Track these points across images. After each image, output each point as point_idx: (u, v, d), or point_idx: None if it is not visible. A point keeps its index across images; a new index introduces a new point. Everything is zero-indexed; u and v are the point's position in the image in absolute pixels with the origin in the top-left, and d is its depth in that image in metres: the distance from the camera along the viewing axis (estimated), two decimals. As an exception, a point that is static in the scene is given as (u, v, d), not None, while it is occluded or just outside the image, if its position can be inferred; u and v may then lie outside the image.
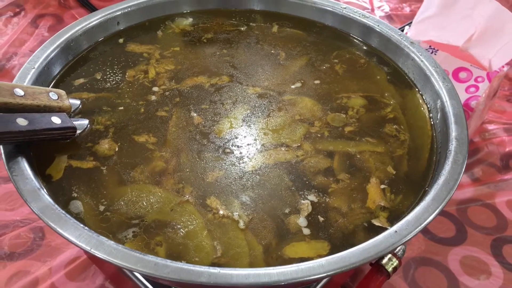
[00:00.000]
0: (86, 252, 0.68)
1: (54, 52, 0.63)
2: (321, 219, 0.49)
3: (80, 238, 0.43)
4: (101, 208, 0.49)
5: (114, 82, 0.63)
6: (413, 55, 0.66)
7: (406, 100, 0.63)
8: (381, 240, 0.44)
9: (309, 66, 0.69)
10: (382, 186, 0.53)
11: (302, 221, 0.49)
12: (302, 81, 0.66)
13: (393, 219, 0.50)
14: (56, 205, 0.45)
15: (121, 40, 0.71)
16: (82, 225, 0.44)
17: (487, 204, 0.85)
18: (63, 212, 0.45)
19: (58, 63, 0.63)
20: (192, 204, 0.50)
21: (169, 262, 0.41)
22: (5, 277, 0.72)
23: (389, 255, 0.61)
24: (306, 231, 0.48)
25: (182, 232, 0.47)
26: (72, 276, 0.73)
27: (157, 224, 0.48)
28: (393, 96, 0.64)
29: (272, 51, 0.71)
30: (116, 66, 0.66)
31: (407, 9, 1.37)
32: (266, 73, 0.67)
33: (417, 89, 0.65)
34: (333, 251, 0.46)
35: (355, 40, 0.74)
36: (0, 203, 0.81)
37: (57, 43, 0.63)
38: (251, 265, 0.45)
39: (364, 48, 0.73)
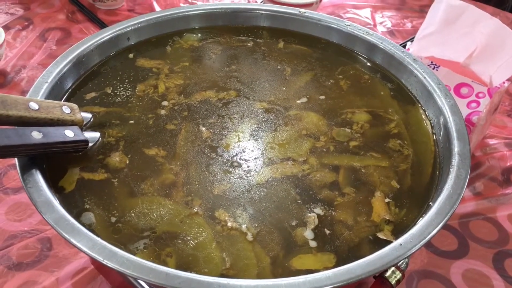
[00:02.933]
0: (93, 262, 0.69)
1: (67, 67, 0.64)
2: (328, 231, 0.51)
3: (93, 249, 0.44)
4: (113, 219, 0.50)
5: (124, 96, 0.65)
6: (416, 72, 0.67)
7: (409, 116, 0.65)
8: (387, 253, 0.45)
9: (315, 81, 0.70)
10: (387, 200, 0.54)
11: (308, 233, 0.50)
12: (307, 96, 0.67)
13: (397, 232, 0.51)
14: (70, 216, 0.47)
15: (131, 55, 0.73)
16: (94, 236, 0.45)
17: (489, 218, 0.86)
18: (77, 223, 0.46)
19: (70, 78, 0.65)
20: (201, 216, 0.51)
21: (180, 273, 0.42)
22: (13, 286, 0.72)
23: (393, 268, 0.62)
24: (313, 244, 0.49)
25: (191, 244, 0.49)
26: (79, 286, 0.73)
27: (167, 236, 0.49)
28: (396, 112, 0.65)
29: (278, 67, 0.73)
30: (126, 81, 0.67)
31: (408, 25, 1.39)
32: (273, 88, 0.68)
33: (420, 105, 0.66)
34: (339, 263, 0.48)
35: (359, 56, 0.76)
36: (8, 213, 0.82)
37: (69, 58, 0.65)
38: (259, 276, 0.46)
39: (368, 64, 0.74)
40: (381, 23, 1.39)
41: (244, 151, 0.58)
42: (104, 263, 0.43)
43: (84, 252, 0.44)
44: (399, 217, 0.52)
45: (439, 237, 0.82)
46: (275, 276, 0.47)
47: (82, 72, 0.67)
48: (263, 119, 0.63)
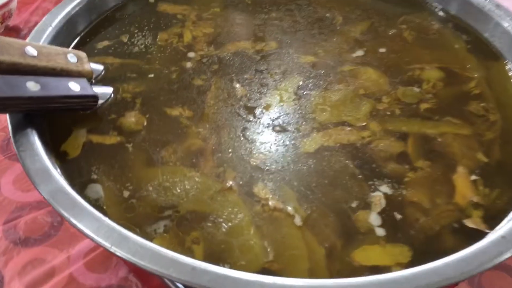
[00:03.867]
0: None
1: (75, 10, 0.54)
2: (398, 216, 0.39)
3: (98, 231, 0.34)
4: (126, 194, 0.40)
5: (143, 46, 0.54)
6: (499, 19, 0.54)
7: (492, 73, 0.53)
8: (485, 249, 0.34)
9: (372, 32, 0.58)
10: (473, 177, 0.42)
11: (374, 218, 0.39)
12: (364, 49, 0.55)
13: (489, 219, 0.39)
14: (71, 189, 0.36)
15: (152, 0, 0.61)
16: (101, 215, 0.35)
17: None
18: (79, 198, 0.36)
19: (80, 23, 0.55)
20: (236, 192, 0.40)
21: (209, 267, 0.32)
22: (19, 265, 0.64)
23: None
24: (380, 232, 0.38)
25: (224, 228, 0.38)
26: (92, 266, 0.64)
27: (194, 217, 0.39)
28: (476, 69, 0.53)
29: (327, 15, 0.61)
30: (146, 28, 0.57)
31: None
32: (321, 39, 0.57)
33: (505, 61, 0.53)
34: (415, 259, 0.36)
35: (426, 3, 0.63)
36: (15, 183, 0.73)
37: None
38: (312, 272, 0.36)
39: (437, 12, 0.61)
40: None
41: (288, 114, 0.47)
42: (111, 251, 0.33)
43: (87, 235, 0.34)
44: (491, 200, 0.41)
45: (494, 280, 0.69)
46: (332, 272, 0.36)
47: (94, 17, 0.57)
48: (311, 76, 0.52)
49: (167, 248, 0.33)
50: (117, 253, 0.33)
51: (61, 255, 0.65)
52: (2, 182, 0.72)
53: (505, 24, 0.54)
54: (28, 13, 1.07)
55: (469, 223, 0.39)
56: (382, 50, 0.55)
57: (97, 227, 0.34)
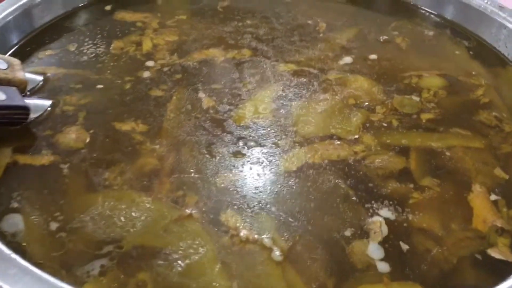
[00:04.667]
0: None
1: (13, 16, 0.46)
2: (405, 247, 0.31)
3: (4, 276, 0.25)
4: (54, 226, 0.31)
5: (93, 55, 0.46)
6: (505, 22, 0.48)
7: (500, 80, 0.46)
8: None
9: (360, 39, 0.51)
10: (493, 197, 0.34)
11: (374, 250, 0.31)
12: (352, 57, 0.48)
13: (519, 247, 0.31)
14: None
15: (108, 7, 0.54)
16: (10, 252, 0.26)
17: None
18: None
19: (19, 30, 0.47)
20: (198, 221, 0.32)
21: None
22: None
23: None
24: (383, 267, 0.30)
25: (180, 266, 0.29)
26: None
27: (141, 253, 0.30)
28: (483, 76, 0.46)
29: (308, 21, 0.54)
30: (98, 37, 0.49)
31: None
32: (302, 47, 0.50)
33: (515, 66, 0.47)
34: (430, 301, 0.28)
35: (418, 9, 0.56)
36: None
37: (19, 3, 0.47)
38: (296, 324, 0.27)
39: (432, 18, 0.56)
40: None
41: (264, 127, 0.39)
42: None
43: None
44: (518, 224, 0.32)
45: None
46: (323, 323, 0.27)
47: (37, 25, 0.49)
48: (291, 85, 0.44)
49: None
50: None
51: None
52: None
53: (511, 26, 0.47)
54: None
55: (494, 253, 0.31)
56: (373, 57, 0.48)
57: (3, 270, 0.25)
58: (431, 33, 0.53)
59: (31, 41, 0.47)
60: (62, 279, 0.26)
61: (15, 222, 0.31)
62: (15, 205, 0.32)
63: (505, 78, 0.46)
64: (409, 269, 0.30)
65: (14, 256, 0.27)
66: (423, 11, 0.56)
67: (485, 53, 0.49)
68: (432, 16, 0.55)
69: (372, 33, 0.52)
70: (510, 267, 0.29)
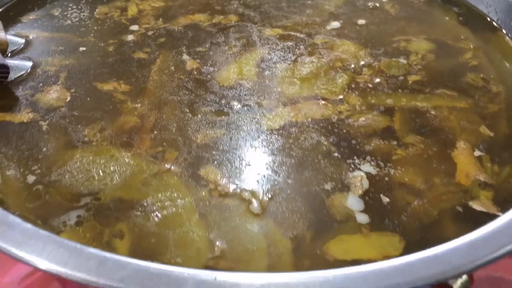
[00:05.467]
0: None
1: (-3, -21, 0.45)
2: (385, 199, 0.30)
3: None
4: (31, 179, 0.31)
5: (77, 20, 0.46)
6: (496, -13, 0.47)
7: (490, 46, 0.45)
8: (497, 232, 0.25)
9: (349, 4, 0.51)
10: (477, 153, 0.34)
11: (354, 202, 0.30)
12: (340, 22, 0.47)
13: (502, 200, 0.31)
14: None
15: (95, -26, 0.53)
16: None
17: None
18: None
19: (2, -6, 0.46)
20: (177, 175, 0.31)
21: (128, 260, 0.22)
22: None
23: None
24: (363, 218, 0.29)
25: (157, 217, 0.29)
26: (27, 294, 0.54)
27: (119, 205, 0.30)
28: (471, 40, 0.45)
29: (297, -11, 0.53)
30: (82, 2, 0.49)
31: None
32: (290, 13, 0.49)
33: (503, 32, 0.46)
34: (408, 250, 0.27)
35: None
36: None
37: (3, -32, 0.46)
38: (271, 270, 0.26)
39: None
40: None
41: (248, 88, 0.39)
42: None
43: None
44: (502, 178, 0.32)
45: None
46: (299, 270, 0.26)
47: (22, -10, 0.48)
48: (277, 48, 0.43)
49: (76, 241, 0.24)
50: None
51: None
52: None
53: (502, -7, 0.47)
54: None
55: (476, 205, 0.30)
56: (361, 22, 0.48)
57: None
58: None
59: (14, 6, 0.47)
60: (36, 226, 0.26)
61: (-9, 174, 0.31)
62: (-8, 159, 0.32)
63: (494, 43, 0.46)
64: (388, 220, 0.29)
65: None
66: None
67: (475, 19, 0.49)
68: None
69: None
70: (490, 219, 0.29)
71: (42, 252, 0.23)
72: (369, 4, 0.51)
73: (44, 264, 0.23)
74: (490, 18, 0.48)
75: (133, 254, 0.27)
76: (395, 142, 0.35)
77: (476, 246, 0.25)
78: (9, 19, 0.45)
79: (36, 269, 0.26)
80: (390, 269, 0.23)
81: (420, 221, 0.30)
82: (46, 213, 0.29)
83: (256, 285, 0.22)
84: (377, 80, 0.40)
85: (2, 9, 0.46)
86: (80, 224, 0.29)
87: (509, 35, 0.46)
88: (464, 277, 0.42)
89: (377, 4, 0.51)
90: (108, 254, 0.23)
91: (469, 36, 0.46)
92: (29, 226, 0.25)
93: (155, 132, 0.35)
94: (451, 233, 0.29)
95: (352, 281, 0.23)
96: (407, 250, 0.28)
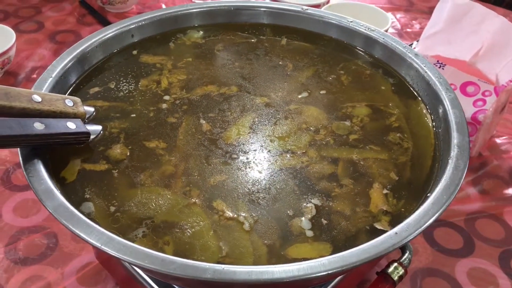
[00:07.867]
0: (98, 257, 0.70)
1: (71, 63, 0.65)
2: (324, 221, 0.51)
3: (91, 235, 0.44)
4: (112, 209, 0.51)
5: (127, 91, 0.66)
6: (417, 66, 0.67)
7: (410, 110, 0.65)
8: (382, 241, 0.44)
9: (316, 77, 0.71)
10: (385, 191, 0.54)
11: (305, 223, 0.50)
12: (308, 91, 0.68)
13: (395, 223, 0.50)
14: (69, 204, 0.47)
15: (135, 52, 0.74)
16: (92, 223, 0.45)
17: (495, 217, 0.85)
18: (76, 211, 0.47)
19: (74, 73, 0.66)
20: (199, 206, 0.52)
21: (175, 259, 0.42)
22: (19, 281, 0.73)
23: (395, 264, 0.62)
24: (309, 233, 0.50)
25: (189, 232, 0.49)
26: (83, 281, 0.74)
27: (165, 225, 0.50)
28: (397, 106, 0.65)
29: (280, 63, 0.73)
30: (129, 76, 0.68)
31: (417, 26, 1.39)
32: (274, 84, 0.69)
33: (421, 99, 0.66)
34: (335, 252, 0.47)
35: (361, 52, 0.76)
36: (15, 210, 0.83)
37: (74, 53, 0.66)
38: (255, 264, 0.47)
39: (370, 60, 0.74)
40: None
41: (243, 144, 0.59)
42: (101, 248, 0.43)
43: (82, 238, 0.44)
44: (397, 208, 0.52)
45: (445, 235, 0.81)
46: (271, 264, 0.47)
47: (86, 68, 0.68)
48: (263, 113, 0.63)
49: (144, 247, 0.44)
50: (106, 250, 0.43)
51: (56, 272, 0.75)
52: (3, 210, 0.82)
53: (421, 70, 0.66)
54: (24, 59, 1.18)
55: (378, 225, 0.50)
56: (323, 92, 0.68)
57: (90, 232, 0.45)
58: (368, 72, 0.72)
59: (83, 81, 0.66)
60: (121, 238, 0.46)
61: (88, 206, 0.51)
62: (87, 196, 0.52)
63: (413, 108, 0.65)
64: (325, 235, 0.49)
65: (92, 224, 0.47)
66: (363, 54, 0.76)
67: (403, 89, 0.68)
68: (371, 59, 0.75)
69: (324, 72, 0.71)
70: (384, 232, 0.49)
71: (129, 254, 0.44)
72: (329, 76, 0.71)
73: (130, 259, 0.43)
74: (413, 88, 0.68)
75: (176, 255, 0.47)
76: (335, 183, 0.55)
77: (367, 250, 0.45)
78: (80, 92, 0.65)
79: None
80: (324, 261, 0.43)
81: (344, 235, 0.50)
82: (124, 230, 0.49)
83: (244, 272, 0.42)
84: (328, 138, 0.60)
85: (75, 84, 0.66)
86: (145, 236, 0.49)
87: (424, 102, 0.66)
88: (401, 270, 0.63)
89: (335, 76, 0.71)
90: (163, 255, 0.43)
91: (396, 102, 0.66)
92: (120, 239, 0.45)
93: (184, 177, 0.55)
94: (362, 242, 0.49)
95: (303, 270, 0.42)
96: (333, 252, 0.48)
